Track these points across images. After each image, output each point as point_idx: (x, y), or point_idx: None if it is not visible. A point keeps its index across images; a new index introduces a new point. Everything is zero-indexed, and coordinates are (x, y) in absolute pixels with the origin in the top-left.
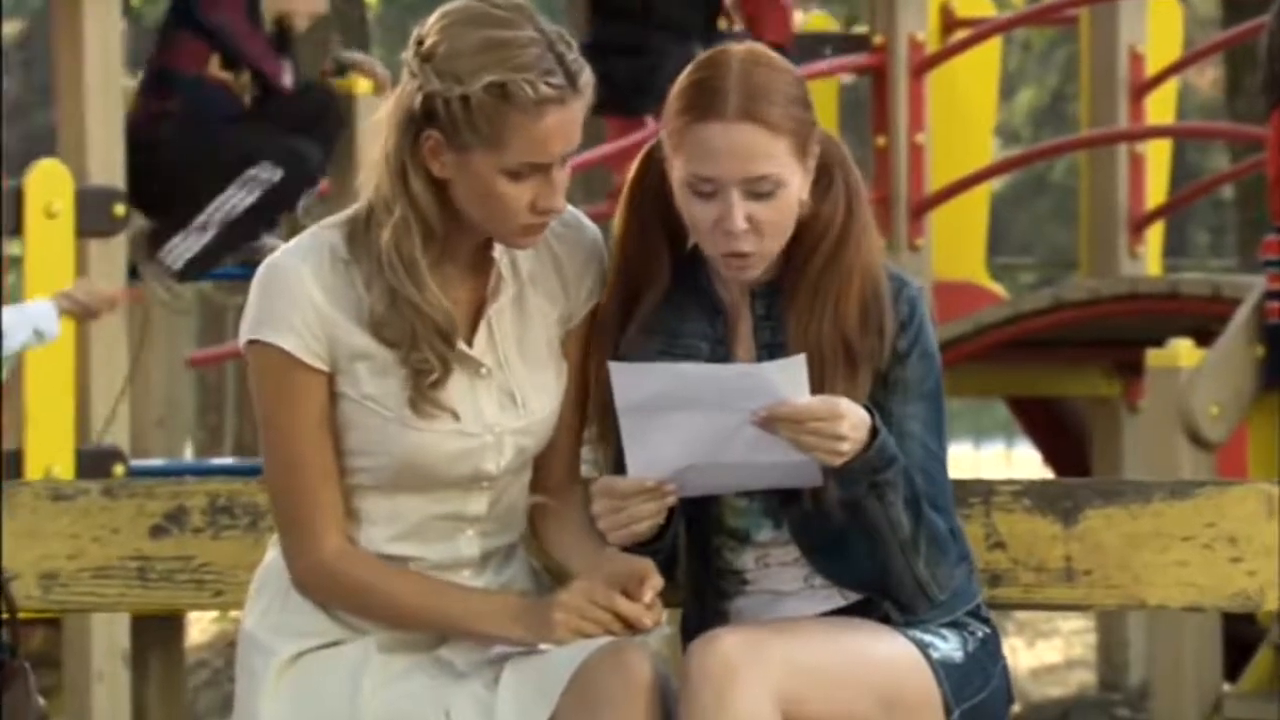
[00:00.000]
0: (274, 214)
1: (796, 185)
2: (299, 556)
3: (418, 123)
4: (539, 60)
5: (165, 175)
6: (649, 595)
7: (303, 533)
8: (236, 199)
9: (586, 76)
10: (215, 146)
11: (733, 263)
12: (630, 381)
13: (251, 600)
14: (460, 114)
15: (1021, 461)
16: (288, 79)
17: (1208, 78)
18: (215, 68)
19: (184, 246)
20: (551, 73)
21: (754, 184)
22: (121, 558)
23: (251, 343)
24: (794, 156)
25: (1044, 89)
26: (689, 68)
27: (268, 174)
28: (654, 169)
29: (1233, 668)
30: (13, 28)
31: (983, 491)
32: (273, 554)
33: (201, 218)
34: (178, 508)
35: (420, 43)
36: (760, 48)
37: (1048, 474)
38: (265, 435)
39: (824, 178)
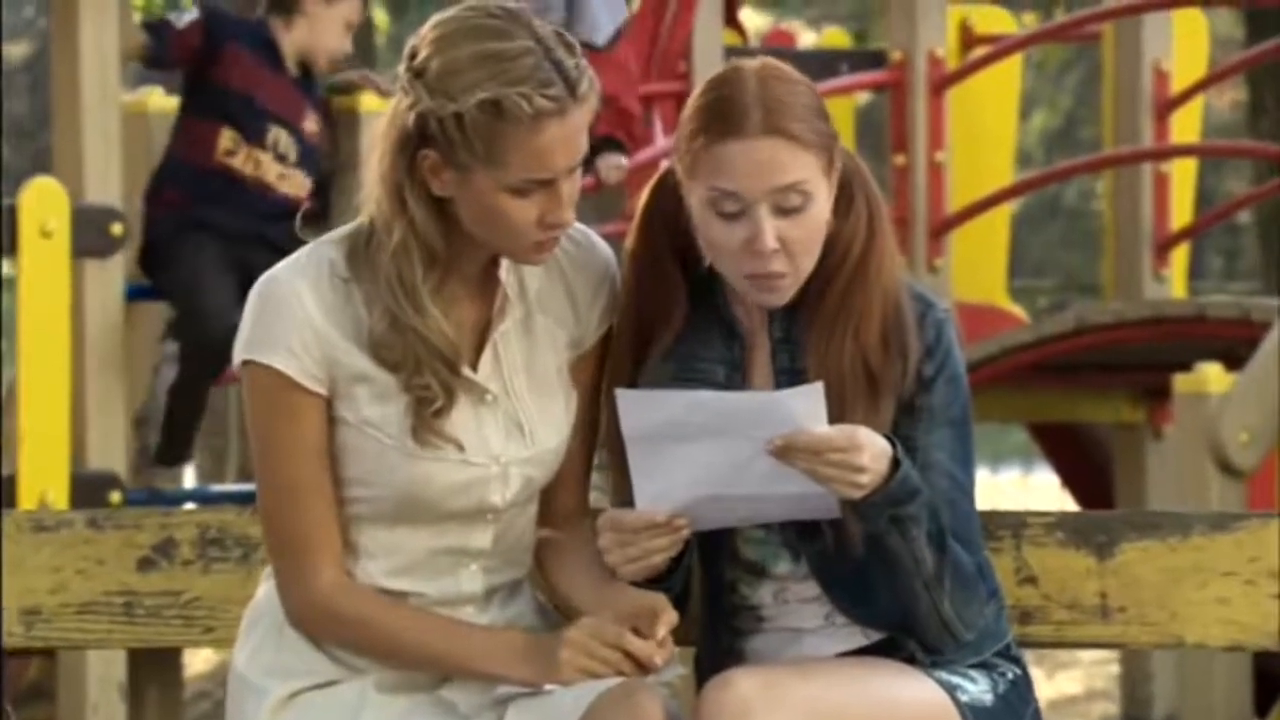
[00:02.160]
0: (199, 378)
1: (823, 200)
2: (293, 588)
3: (414, 142)
4: (534, 71)
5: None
6: (662, 631)
7: (298, 563)
8: (160, 380)
9: (588, 82)
10: (181, 251)
11: (763, 284)
12: (639, 410)
13: (243, 637)
14: (455, 133)
15: (1040, 487)
16: (310, 124)
17: (1226, 99)
18: (222, 152)
19: (150, 440)
20: (549, 83)
21: (782, 196)
22: (107, 592)
23: (246, 363)
24: (820, 172)
25: (1057, 111)
26: (700, 88)
27: (170, 348)
28: (666, 196)
29: (1261, 702)
30: (20, 49)
31: (1013, 524)
32: (265, 588)
33: (139, 414)
34: (166, 539)
35: (413, 56)
36: (773, 61)
37: (1066, 499)
38: (260, 460)
39: (844, 195)
